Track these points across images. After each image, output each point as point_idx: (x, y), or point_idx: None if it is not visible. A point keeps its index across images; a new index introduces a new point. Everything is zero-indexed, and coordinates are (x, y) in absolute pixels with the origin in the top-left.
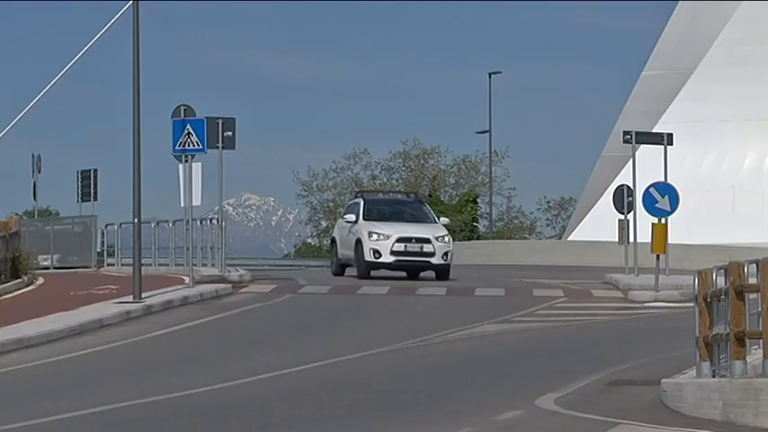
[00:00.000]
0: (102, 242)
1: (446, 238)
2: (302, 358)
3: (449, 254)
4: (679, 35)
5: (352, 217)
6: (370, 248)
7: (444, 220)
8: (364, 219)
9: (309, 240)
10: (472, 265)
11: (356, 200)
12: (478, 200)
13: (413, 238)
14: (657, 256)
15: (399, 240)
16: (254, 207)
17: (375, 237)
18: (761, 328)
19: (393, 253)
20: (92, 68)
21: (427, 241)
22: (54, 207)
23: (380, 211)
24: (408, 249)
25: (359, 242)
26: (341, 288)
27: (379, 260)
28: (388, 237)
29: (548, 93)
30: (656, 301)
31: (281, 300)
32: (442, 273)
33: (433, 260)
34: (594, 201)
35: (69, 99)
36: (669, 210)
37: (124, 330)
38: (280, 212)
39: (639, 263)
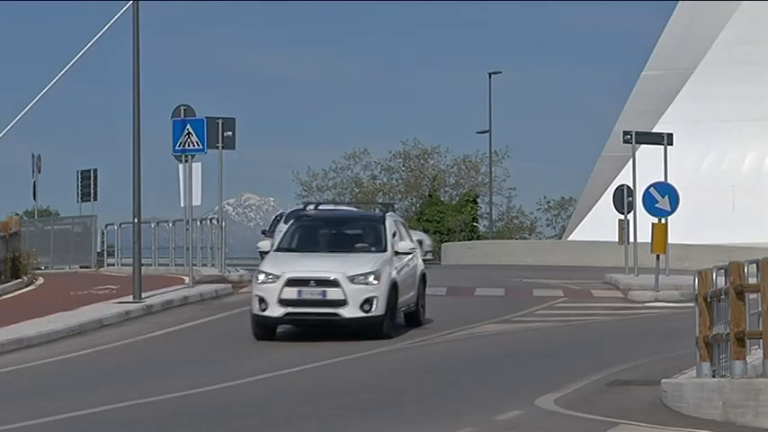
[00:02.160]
0: (102, 242)
1: (371, 277)
2: (302, 358)
3: (374, 301)
4: (679, 35)
5: (266, 245)
6: (256, 296)
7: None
8: (276, 248)
9: None
10: (472, 265)
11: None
12: (478, 200)
13: (311, 279)
14: (657, 256)
15: (290, 283)
16: (254, 207)
17: (262, 277)
18: (761, 328)
19: (282, 302)
20: (92, 68)
21: (333, 284)
22: (54, 207)
23: (306, 234)
24: (304, 297)
25: None
26: None
27: (265, 313)
28: (277, 278)
29: (548, 93)
30: (656, 301)
31: None
32: (365, 329)
33: (345, 312)
34: (594, 201)
35: (69, 99)
36: (669, 210)
37: (124, 330)
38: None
39: (639, 263)
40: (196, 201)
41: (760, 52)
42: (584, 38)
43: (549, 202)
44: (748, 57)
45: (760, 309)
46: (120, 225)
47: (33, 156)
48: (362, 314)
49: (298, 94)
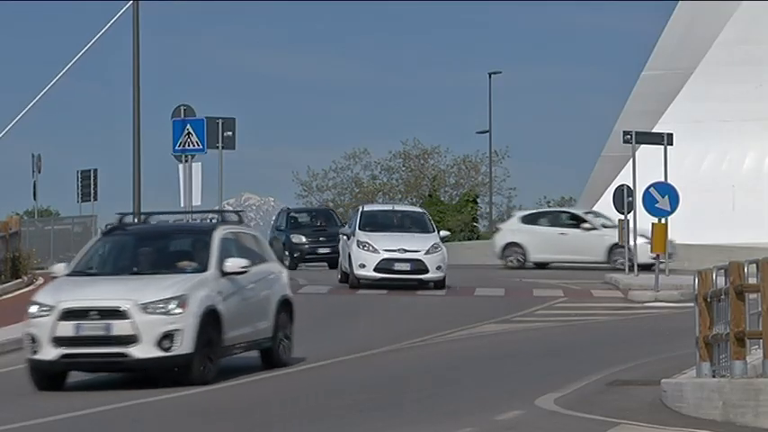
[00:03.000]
0: None
1: (173, 304)
2: (302, 358)
3: (176, 335)
4: (679, 35)
5: (61, 269)
6: (27, 334)
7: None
8: (71, 272)
9: None
10: (472, 265)
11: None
12: (478, 200)
13: (91, 309)
14: (657, 255)
15: (66, 316)
16: (254, 207)
17: (34, 310)
18: (761, 328)
19: (57, 341)
20: (92, 68)
21: (120, 315)
22: (54, 207)
23: (110, 253)
24: (83, 333)
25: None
26: (340, 288)
27: (37, 356)
28: (50, 309)
29: (548, 93)
30: (656, 301)
31: None
32: (167, 372)
33: (136, 351)
34: (594, 201)
35: (69, 99)
36: (669, 210)
37: None
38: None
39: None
40: (196, 201)
41: (760, 52)
42: (584, 38)
43: (549, 202)
44: (748, 57)
45: (760, 309)
46: None
47: (33, 156)
48: (160, 353)
49: (298, 94)
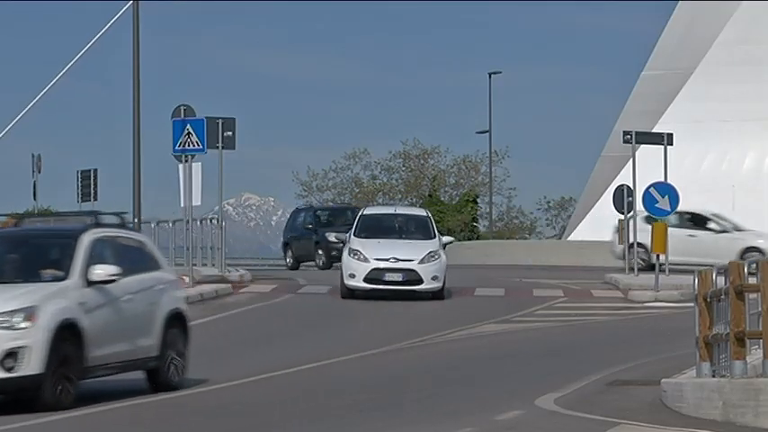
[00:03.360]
0: None
1: (19, 317)
2: (302, 358)
3: (22, 354)
4: (679, 35)
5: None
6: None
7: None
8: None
9: None
10: (472, 265)
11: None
12: (478, 200)
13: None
14: (657, 255)
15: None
16: (254, 207)
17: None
18: (761, 328)
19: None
20: (92, 68)
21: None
22: (54, 207)
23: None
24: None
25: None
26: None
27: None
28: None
29: (548, 93)
30: (656, 301)
31: (281, 300)
32: (12, 395)
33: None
34: (594, 201)
35: (69, 99)
36: (669, 210)
37: None
38: (280, 212)
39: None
40: (196, 201)
41: (760, 52)
42: (584, 38)
43: (549, 202)
44: (748, 57)
45: (760, 309)
46: None
47: (33, 156)
48: (2, 374)
49: (298, 94)
